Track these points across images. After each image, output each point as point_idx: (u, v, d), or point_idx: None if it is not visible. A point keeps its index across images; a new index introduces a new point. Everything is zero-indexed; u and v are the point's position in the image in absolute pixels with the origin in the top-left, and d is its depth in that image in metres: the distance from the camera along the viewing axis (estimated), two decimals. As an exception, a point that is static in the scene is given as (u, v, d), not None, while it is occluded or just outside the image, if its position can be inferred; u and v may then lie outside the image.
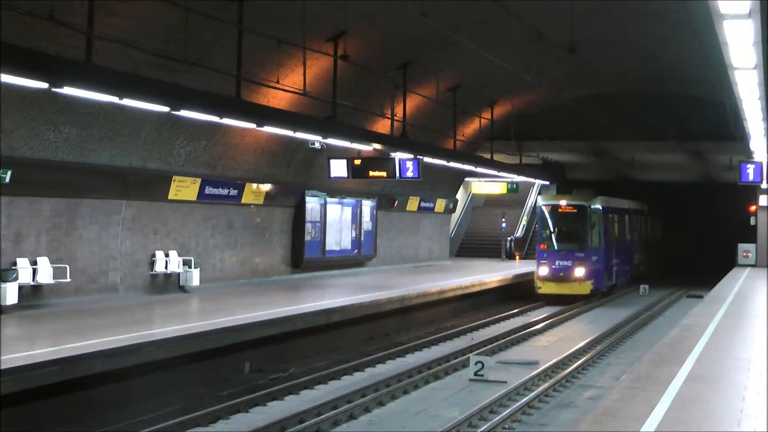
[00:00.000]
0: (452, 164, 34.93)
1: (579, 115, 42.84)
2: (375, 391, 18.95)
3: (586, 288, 38.09)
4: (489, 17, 29.11)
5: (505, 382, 20.39)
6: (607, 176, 54.65)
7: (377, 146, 27.69)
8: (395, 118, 31.26)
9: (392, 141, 29.06)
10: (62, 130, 22.35)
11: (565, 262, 37.90)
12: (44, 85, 15.51)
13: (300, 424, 16.10)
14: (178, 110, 19.07)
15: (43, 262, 22.97)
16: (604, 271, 40.00)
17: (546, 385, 19.94)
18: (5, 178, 21.27)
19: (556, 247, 38.26)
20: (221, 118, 20.54)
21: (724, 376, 14.17)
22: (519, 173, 45.08)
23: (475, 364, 20.86)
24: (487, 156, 41.76)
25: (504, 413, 17.10)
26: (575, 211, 38.74)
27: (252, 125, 21.93)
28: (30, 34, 18.60)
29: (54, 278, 23.14)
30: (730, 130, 32.90)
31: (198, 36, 21.96)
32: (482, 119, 41.10)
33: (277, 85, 23.14)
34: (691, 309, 26.82)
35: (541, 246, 38.72)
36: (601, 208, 39.86)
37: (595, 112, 43.18)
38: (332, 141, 26.10)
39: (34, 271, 22.68)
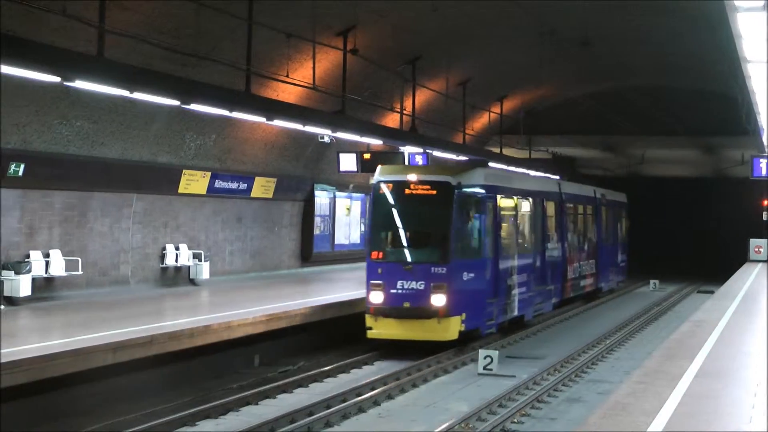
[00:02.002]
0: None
1: (590, 110, 42.79)
2: (384, 384, 18.98)
3: (449, 329, 22.69)
4: (500, 12, 29.12)
5: (514, 376, 20.42)
6: (618, 171, 54.50)
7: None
8: (405, 112, 31.27)
9: (401, 135, 29.07)
10: (74, 124, 22.42)
11: (415, 284, 22.73)
12: (56, 79, 15.58)
13: (309, 416, 16.14)
14: (189, 104, 19.12)
15: (56, 255, 23.07)
16: (490, 297, 24.51)
17: (555, 379, 19.96)
18: (18, 171, 21.36)
19: (398, 258, 23.30)
20: (231, 111, 20.58)
21: (735, 372, 14.16)
22: (529, 168, 45.03)
23: (484, 358, 20.87)
24: (497, 150, 41.72)
25: (512, 407, 17.14)
26: (434, 193, 23.43)
27: (262, 119, 21.98)
28: (43, 28, 18.65)
29: (66, 271, 23.24)
30: (743, 125, 32.83)
31: (208, 30, 21.99)
32: (492, 114, 41.07)
33: (287, 79, 23.16)
34: (702, 304, 26.78)
35: (373, 255, 23.51)
36: (483, 188, 24.45)
37: (606, 107, 43.10)
38: (342, 135, 26.13)
39: (47, 264, 22.78)
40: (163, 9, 21.43)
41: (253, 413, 16.89)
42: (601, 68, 41.18)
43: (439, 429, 15.33)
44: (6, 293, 21.64)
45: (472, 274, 23.61)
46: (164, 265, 27.19)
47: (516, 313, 26.68)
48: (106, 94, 19.38)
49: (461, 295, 23.08)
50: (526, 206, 28.41)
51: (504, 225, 26.04)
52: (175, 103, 19.20)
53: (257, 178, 30.68)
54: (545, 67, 34.76)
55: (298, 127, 23.58)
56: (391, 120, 33.17)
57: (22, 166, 21.39)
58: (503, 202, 25.99)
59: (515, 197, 27.10)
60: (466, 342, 23.64)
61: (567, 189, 33.73)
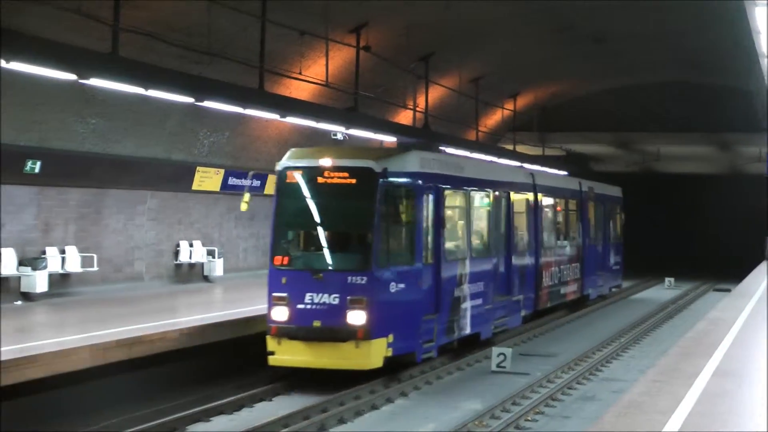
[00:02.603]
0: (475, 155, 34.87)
1: (604, 106, 42.65)
2: (398, 382, 18.95)
3: (371, 354, 18.12)
4: (513, 9, 29.06)
5: (528, 374, 20.39)
6: (632, 168, 54.34)
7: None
8: (417, 109, 31.24)
9: (414, 132, 29.04)
10: (89, 122, 22.49)
11: (327, 298, 18.25)
12: (72, 77, 15.64)
13: (322, 413, 16.13)
14: (203, 101, 19.15)
15: (71, 251, 23.14)
16: (429, 313, 19.82)
17: (568, 377, 19.93)
18: (35, 168, 21.43)
19: (307, 264, 18.93)
20: (245, 109, 20.61)
21: (752, 371, 14.10)
22: (542, 164, 44.96)
23: (498, 355, 20.84)
24: (510, 147, 41.66)
25: (526, 405, 17.12)
26: (353, 182, 18.95)
27: (275, 116, 21.99)
28: (58, 26, 18.70)
29: (82, 267, 23.32)
30: (759, 121, 32.69)
31: (221, 28, 22.01)
32: (505, 110, 41.01)
33: (300, 76, 23.17)
34: (719, 302, 26.70)
35: (276, 260, 19.01)
36: (420, 177, 19.61)
37: (621, 104, 42.99)
38: (355, 132, 26.12)
39: (63, 260, 22.86)
40: (176, 7, 21.45)
41: (266, 409, 16.85)
42: (615, 64, 41.06)
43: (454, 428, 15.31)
44: (23, 289, 21.74)
45: (402, 285, 18.66)
46: (178, 262, 27.24)
47: (468, 330, 21.78)
48: (120, 92, 19.43)
49: (388, 310, 18.29)
50: (482, 200, 23.52)
51: (451, 223, 21.26)
52: (189, 100, 19.22)
53: (270, 176, 30.66)
54: (559, 63, 34.71)
55: (312, 124, 23.59)
56: (404, 117, 33.14)
57: (39, 163, 21.46)
58: (450, 194, 21.12)
59: (467, 189, 22.22)
60: (396, 370, 19.15)
61: (543, 181, 29.05)
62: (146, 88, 17.29)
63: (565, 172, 39.64)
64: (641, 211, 51.69)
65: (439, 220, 20.18)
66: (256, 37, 21.28)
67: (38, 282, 21.76)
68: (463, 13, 28.13)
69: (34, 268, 21.74)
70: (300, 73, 23.29)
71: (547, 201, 29.21)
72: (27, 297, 21.73)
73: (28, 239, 22.15)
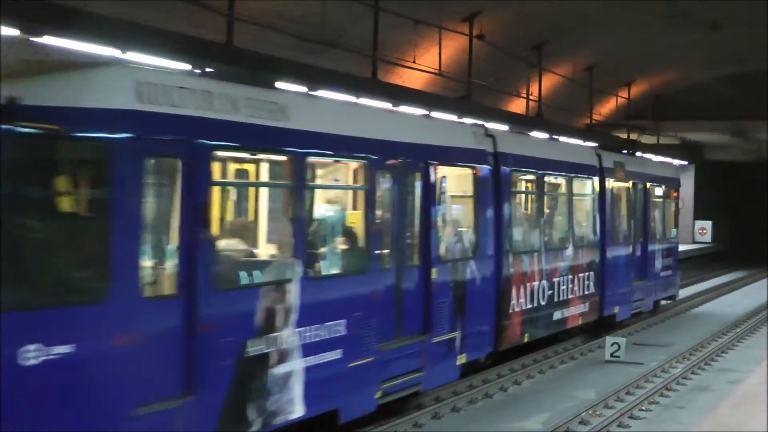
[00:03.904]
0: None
1: (720, 94, 41.91)
2: (511, 371, 18.94)
3: None
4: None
5: (642, 363, 20.22)
6: (749, 157, 53.29)
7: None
8: (530, 97, 31.09)
9: (528, 121, 28.91)
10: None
11: None
12: (187, 67, 15.91)
13: (436, 403, 16.16)
14: (316, 90, 19.32)
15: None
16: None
17: (683, 367, 19.71)
18: None
19: None
20: (357, 98, 20.74)
21: None
22: (656, 153, 44.32)
23: (611, 345, 20.70)
24: (623, 136, 41.17)
25: (640, 395, 16.99)
26: None
27: (388, 105, 22.09)
28: (174, 17, 19.06)
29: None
30: None
31: (335, 18, 22.18)
32: (619, 98, 40.58)
33: (413, 65, 23.24)
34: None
35: None
36: (124, 129, 9.63)
37: (738, 91, 42.18)
38: (467, 121, 26.08)
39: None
40: (289, -3, 21.69)
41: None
42: (731, 51, 40.29)
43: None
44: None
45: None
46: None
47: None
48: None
49: None
50: (330, 177, 14.41)
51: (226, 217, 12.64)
52: (303, 89, 19.42)
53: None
54: (674, 50, 34.23)
55: (424, 113, 23.63)
56: (517, 106, 33.01)
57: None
58: (230, 163, 12.50)
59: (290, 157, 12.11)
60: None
61: (515, 147, 19.54)
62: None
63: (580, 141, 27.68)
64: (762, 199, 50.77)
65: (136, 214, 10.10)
66: (369, 26, 21.40)
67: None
68: (577, 1, 27.92)
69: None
70: (414, 62, 23.36)
71: (525, 179, 20.75)
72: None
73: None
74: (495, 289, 18.01)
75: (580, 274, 22.17)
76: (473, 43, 26.49)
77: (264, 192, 13.38)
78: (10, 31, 11.80)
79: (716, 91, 41.79)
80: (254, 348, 11.20)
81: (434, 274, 15.32)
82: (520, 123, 27.71)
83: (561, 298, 21.12)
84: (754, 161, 53.05)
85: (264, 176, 13.29)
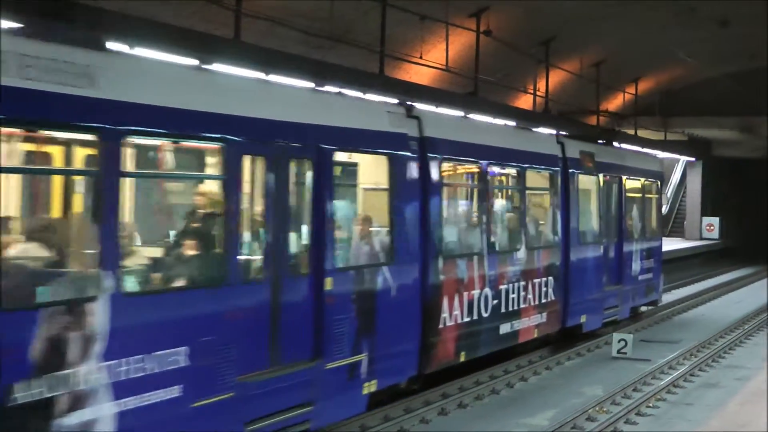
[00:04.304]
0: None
1: (728, 90, 41.82)
2: (517, 368, 18.92)
3: None
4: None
5: (649, 360, 20.19)
6: (757, 154, 53.15)
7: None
8: (538, 93, 31.04)
9: (535, 116, 28.85)
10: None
11: None
12: (195, 62, 15.89)
13: (443, 399, 16.15)
14: (323, 86, 19.29)
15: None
16: None
17: (691, 363, 19.67)
18: None
19: None
20: (365, 93, 20.70)
21: None
22: (663, 149, 44.24)
23: (619, 341, 20.67)
24: (631, 132, 41.12)
25: (647, 391, 16.96)
26: None
27: (395, 101, 22.04)
28: (182, 12, 19.05)
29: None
30: None
31: (342, 13, 22.14)
32: (626, 94, 40.52)
33: (420, 61, 23.18)
34: None
35: None
36: None
37: (745, 88, 42.09)
38: (474, 117, 26.04)
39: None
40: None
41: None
42: (739, 48, 40.21)
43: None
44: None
45: None
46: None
47: None
48: (239, 77, 19.61)
49: None
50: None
51: None
52: (311, 84, 19.40)
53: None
54: (681, 47, 34.14)
55: (431, 108, 23.58)
56: (524, 102, 32.96)
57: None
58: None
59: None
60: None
61: (448, 132, 16.89)
62: (267, 73, 17.48)
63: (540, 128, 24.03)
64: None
65: None
66: (376, 21, 21.35)
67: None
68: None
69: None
70: (421, 58, 23.32)
71: (463, 171, 18.32)
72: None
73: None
74: (419, 301, 15.05)
75: (536, 280, 19.24)
76: (480, 39, 26.42)
77: (58, 182, 10.46)
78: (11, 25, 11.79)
79: (724, 87, 41.67)
80: (26, 393, 8.29)
81: (329, 284, 12.47)
82: (527, 119, 27.56)
83: (510, 309, 18.11)
84: (761, 158, 52.91)
85: (61, 162, 10.21)
